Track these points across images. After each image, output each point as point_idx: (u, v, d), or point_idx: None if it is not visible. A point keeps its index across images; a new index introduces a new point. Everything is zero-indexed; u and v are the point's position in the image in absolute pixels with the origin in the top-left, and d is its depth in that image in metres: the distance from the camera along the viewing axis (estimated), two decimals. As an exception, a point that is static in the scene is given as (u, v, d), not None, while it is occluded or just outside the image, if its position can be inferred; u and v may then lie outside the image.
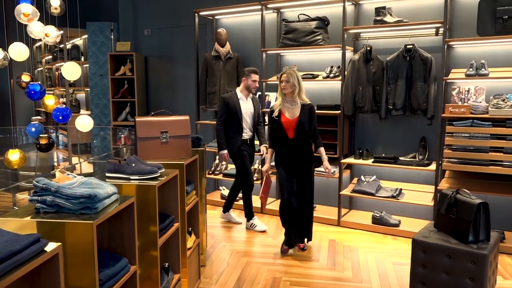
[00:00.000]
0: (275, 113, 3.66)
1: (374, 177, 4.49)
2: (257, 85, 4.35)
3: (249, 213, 4.47)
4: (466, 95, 4.00)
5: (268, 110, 4.91)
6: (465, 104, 3.90)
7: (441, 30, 4.10)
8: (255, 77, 4.30)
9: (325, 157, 3.77)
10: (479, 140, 3.73)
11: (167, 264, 2.51)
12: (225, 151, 4.31)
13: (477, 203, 2.79)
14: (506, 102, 3.68)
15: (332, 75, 4.58)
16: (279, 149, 3.74)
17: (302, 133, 3.63)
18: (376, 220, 4.36)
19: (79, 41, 7.52)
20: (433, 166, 4.15)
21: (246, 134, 4.36)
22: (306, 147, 3.70)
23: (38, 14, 3.76)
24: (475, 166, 3.76)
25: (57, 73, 7.96)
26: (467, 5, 4.07)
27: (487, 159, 3.72)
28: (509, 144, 3.63)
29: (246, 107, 4.34)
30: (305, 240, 3.91)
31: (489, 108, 3.73)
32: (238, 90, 4.38)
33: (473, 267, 2.68)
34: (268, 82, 5.01)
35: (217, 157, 5.57)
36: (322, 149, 3.76)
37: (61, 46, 7.00)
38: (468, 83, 4.03)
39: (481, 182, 3.92)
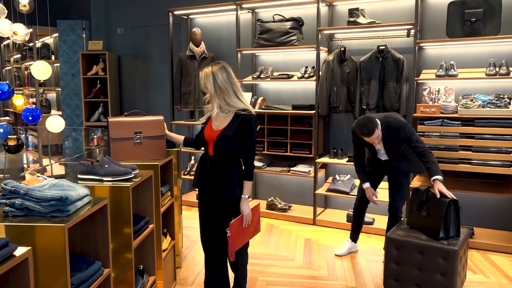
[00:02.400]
0: (203, 119, 2.66)
1: (349, 176, 4.55)
2: (377, 144, 3.35)
3: (352, 235, 3.86)
4: (437, 95, 4.10)
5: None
6: (436, 104, 4.00)
7: (412, 32, 4.19)
8: (366, 139, 3.26)
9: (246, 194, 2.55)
10: (449, 139, 3.83)
11: (142, 266, 2.48)
12: (367, 184, 3.51)
13: (447, 200, 2.87)
14: (474, 102, 3.80)
15: (306, 75, 4.62)
16: (197, 166, 2.74)
17: (221, 153, 2.53)
18: (351, 219, 4.41)
19: (49, 40, 7.34)
20: (405, 165, 4.24)
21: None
22: (225, 174, 2.51)
23: (6, 11, 3.65)
24: (445, 164, 3.86)
25: (26, 72, 7.75)
26: (437, 8, 4.18)
27: (457, 157, 3.83)
28: (477, 143, 3.75)
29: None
30: None
31: (458, 108, 3.84)
32: None
33: (444, 263, 2.76)
34: (243, 82, 5.01)
35: (192, 157, 5.54)
36: (246, 183, 2.55)
37: (31, 44, 6.82)
38: (438, 83, 4.13)
39: (451, 179, 4.02)
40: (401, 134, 3.23)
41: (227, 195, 2.51)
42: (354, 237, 3.84)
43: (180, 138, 2.90)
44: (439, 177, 3.04)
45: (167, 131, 2.92)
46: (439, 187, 2.97)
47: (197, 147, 2.83)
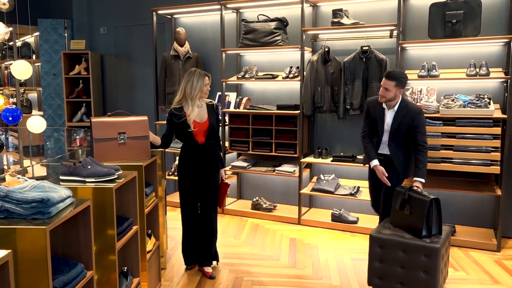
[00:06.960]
0: (191, 123, 3.18)
1: (333, 175, 4.58)
2: (388, 110, 3.34)
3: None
4: (419, 95, 4.16)
5: (228, 110, 4.92)
6: (418, 104, 4.06)
7: (395, 33, 4.24)
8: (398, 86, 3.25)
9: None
10: (431, 139, 3.89)
11: (126, 268, 2.46)
12: (376, 162, 3.36)
13: (429, 199, 2.91)
14: (455, 102, 3.86)
15: (291, 75, 4.64)
16: (184, 156, 3.29)
17: (212, 138, 3.31)
18: (335, 218, 4.45)
19: (30, 39, 7.21)
20: (388, 164, 4.28)
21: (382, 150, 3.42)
22: (216, 153, 3.34)
23: (-15, 9, 3.58)
24: (428, 163, 3.91)
25: (6, 72, 7.60)
26: (419, 9, 4.24)
27: (439, 156, 3.89)
28: (458, 142, 3.81)
29: (386, 120, 3.35)
30: (213, 263, 3.51)
31: (440, 108, 3.90)
32: None
33: (426, 260, 2.80)
34: (228, 82, 5.00)
35: (177, 157, 5.50)
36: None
37: (11, 43, 6.69)
38: (420, 83, 4.19)
39: (433, 178, 4.09)
40: (415, 119, 3.23)
41: (220, 168, 3.39)
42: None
43: (158, 140, 3.17)
44: (423, 180, 3.23)
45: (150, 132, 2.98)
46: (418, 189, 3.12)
47: (166, 147, 3.27)
